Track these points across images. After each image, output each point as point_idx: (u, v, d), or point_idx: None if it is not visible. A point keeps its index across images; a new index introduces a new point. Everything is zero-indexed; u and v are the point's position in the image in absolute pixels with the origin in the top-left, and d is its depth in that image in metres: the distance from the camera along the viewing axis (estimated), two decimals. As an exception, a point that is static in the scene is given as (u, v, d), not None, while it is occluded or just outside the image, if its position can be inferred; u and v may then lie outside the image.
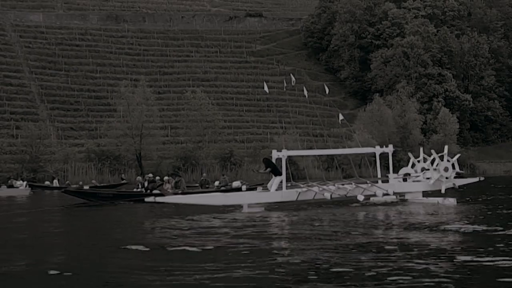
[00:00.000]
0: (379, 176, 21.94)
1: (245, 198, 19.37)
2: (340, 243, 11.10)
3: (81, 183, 43.93)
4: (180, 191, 24.10)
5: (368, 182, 20.89)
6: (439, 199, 20.33)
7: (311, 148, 56.35)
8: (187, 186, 27.13)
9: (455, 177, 21.93)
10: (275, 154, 20.51)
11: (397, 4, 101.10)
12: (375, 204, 20.66)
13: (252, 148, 70.02)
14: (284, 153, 19.90)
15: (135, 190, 27.18)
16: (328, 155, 56.91)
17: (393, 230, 13.32)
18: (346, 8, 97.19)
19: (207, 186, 29.44)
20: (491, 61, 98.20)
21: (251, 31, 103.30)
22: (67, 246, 12.00)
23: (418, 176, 22.24)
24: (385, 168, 23.16)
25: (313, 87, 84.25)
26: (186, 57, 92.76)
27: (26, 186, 40.64)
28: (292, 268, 8.67)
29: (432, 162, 21.74)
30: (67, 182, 47.32)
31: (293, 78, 26.25)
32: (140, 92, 65.55)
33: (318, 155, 55.84)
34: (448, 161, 21.57)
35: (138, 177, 32.08)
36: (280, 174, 19.72)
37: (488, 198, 23.95)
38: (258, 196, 19.59)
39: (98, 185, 43.22)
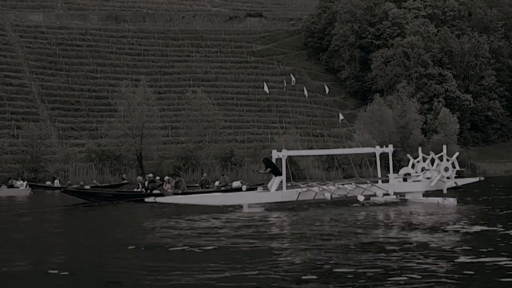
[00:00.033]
0: (379, 176, 21.95)
1: (245, 198, 19.37)
2: (340, 243, 11.09)
3: (81, 183, 43.90)
4: (180, 191, 24.11)
5: (368, 182, 20.88)
6: (439, 199, 20.33)
7: (311, 148, 56.30)
8: (187, 186, 27.13)
9: (455, 177, 21.94)
10: (275, 154, 20.51)
11: (397, 4, 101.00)
12: (375, 204, 20.65)
13: (252, 148, 69.97)
14: (284, 153, 19.90)
15: (135, 190, 27.21)
16: (328, 155, 56.84)
17: (393, 230, 13.31)
18: (347, 8, 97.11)
19: (207, 186, 29.44)
20: (492, 61, 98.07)
21: (251, 31, 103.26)
22: (67, 246, 12.01)
23: (418, 176, 22.23)
24: (385, 168, 23.14)
25: (313, 87, 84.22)
26: (187, 57, 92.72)
27: (26, 186, 40.63)
28: (292, 268, 8.66)
29: (432, 162, 21.75)
30: (69, 182, 47.25)
31: (293, 78, 26.25)
32: (141, 92, 65.53)
33: (318, 155, 55.67)
34: (447, 160, 21.58)
35: (139, 177, 32.13)
36: (280, 174, 19.71)
37: (489, 198, 23.95)
38: (258, 196, 19.60)
39: (99, 185, 43.28)
